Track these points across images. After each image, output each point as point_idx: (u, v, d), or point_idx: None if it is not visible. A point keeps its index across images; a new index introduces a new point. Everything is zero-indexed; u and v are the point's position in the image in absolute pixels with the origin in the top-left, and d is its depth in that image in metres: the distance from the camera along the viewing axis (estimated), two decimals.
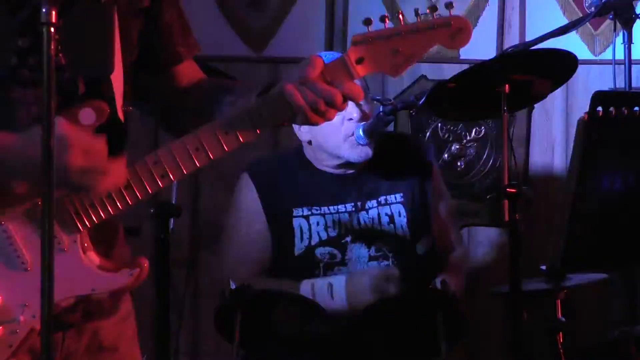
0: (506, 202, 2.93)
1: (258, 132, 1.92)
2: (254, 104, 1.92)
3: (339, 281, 3.16)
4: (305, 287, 3.16)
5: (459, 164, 4.35)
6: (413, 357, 3.10)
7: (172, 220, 3.32)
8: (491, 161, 4.35)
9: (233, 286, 2.97)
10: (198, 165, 1.92)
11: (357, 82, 2.83)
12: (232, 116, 1.92)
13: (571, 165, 2.84)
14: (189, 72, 2.16)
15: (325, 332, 3.01)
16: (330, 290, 3.14)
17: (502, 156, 3.05)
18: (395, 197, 3.38)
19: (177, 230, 3.36)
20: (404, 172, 3.41)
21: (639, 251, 3.01)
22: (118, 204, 1.90)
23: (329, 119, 1.94)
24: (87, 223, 1.89)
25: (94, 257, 1.90)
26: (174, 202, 3.40)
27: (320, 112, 1.90)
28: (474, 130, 4.35)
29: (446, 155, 4.34)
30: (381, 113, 3.17)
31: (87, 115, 1.87)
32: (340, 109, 1.92)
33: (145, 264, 1.93)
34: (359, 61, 1.92)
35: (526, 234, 4.26)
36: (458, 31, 1.91)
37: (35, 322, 1.85)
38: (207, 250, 4.23)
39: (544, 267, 3.24)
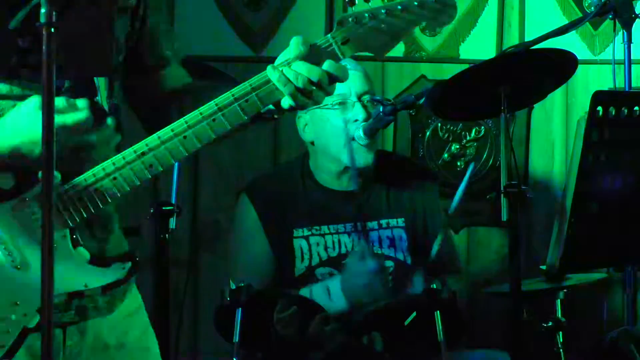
0: (506, 202, 2.93)
1: (246, 117, 1.91)
2: (241, 90, 1.91)
3: (334, 284, 3.15)
4: (304, 294, 3.15)
5: (459, 164, 4.35)
6: (413, 358, 3.10)
7: (172, 220, 3.32)
8: (491, 161, 4.34)
9: (233, 286, 2.96)
10: (186, 153, 1.91)
11: (361, 82, 2.84)
12: (219, 102, 1.91)
13: (571, 165, 2.84)
14: (174, 76, 2.14)
15: (325, 332, 3.00)
16: (328, 293, 3.13)
17: (502, 156, 3.05)
18: (397, 222, 3.37)
19: (177, 230, 3.35)
20: (407, 197, 3.41)
21: (639, 251, 3.01)
22: (106, 196, 1.89)
23: (317, 102, 1.93)
24: (75, 217, 1.88)
25: (84, 253, 1.89)
26: (173, 202, 3.39)
27: (306, 92, 1.89)
28: (474, 130, 4.34)
29: (446, 155, 4.34)
30: (381, 113, 3.17)
31: None
32: (327, 90, 1.91)
33: (137, 257, 1.92)
34: (345, 42, 1.91)
35: (526, 234, 4.26)
36: (443, 7, 1.91)
37: (27, 321, 1.84)
38: (207, 250, 4.23)
39: (544, 267, 3.23)
